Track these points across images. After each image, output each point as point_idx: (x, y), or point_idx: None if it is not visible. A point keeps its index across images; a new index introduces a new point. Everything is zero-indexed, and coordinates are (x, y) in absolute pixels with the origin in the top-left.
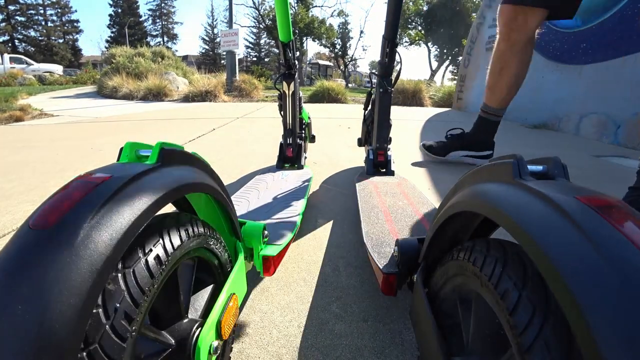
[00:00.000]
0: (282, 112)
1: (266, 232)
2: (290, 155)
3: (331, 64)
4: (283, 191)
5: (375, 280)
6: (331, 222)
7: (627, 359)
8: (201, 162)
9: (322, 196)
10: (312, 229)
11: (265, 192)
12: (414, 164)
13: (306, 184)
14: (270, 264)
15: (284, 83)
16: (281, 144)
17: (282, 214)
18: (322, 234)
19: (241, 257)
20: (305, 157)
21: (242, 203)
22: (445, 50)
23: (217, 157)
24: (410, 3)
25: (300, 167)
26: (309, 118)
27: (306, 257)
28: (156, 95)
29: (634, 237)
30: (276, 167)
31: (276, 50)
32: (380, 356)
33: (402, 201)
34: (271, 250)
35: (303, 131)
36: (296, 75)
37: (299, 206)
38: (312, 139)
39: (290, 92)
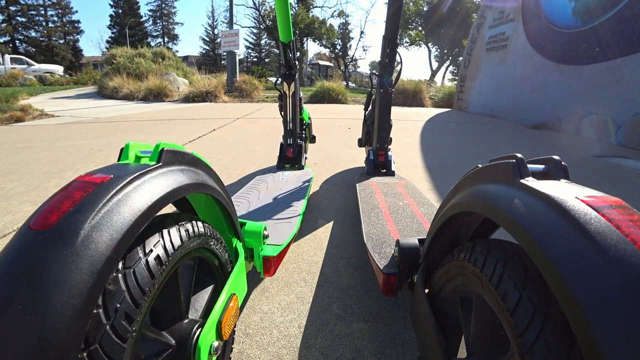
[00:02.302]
0: (282, 113)
1: (266, 232)
2: (290, 156)
3: (331, 64)
4: (283, 192)
5: (375, 280)
6: (332, 222)
7: (628, 359)
8: (201, 162)
9: (322, 196)
10: (313, 229)
11: (265, 193)
12: (415, 164)
13: (306, 184)
14: (271, 265)
15: (284, 83)
16: (281, 145)
17: (283, 214)
18: (322, 234)
19: (241, 257)
20: (306, 158)
21: (243, 203)
22: (445, 51)
23: (217, 158)
24: (411, 3)
25: (301, 167)
26: (309, 119)
27: (307, 258)
28: (157, 95)
29: (634, 237)
30: (277, 168)
31: (277, 51)
32: (380, 357)
33: (403, 201)
34: (271, 251)
35: (303, 132)
36: (297, 76)
37: (299, 207)
38: (313, 139)
39: (291, 93)
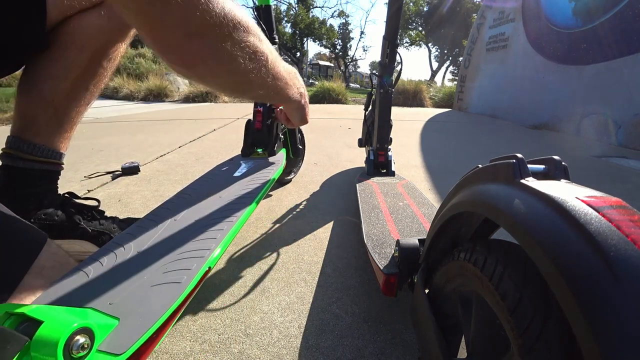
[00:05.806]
0: None
1: (82, 339)
2: (259, 127)
3: (332, 64)
4: (222, 203)
5: (375, 280)
6: (332, 222)
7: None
8: None
9: (322, 197)
10: (313, 229)
11: (190, 210)
12: (415, 165)
13: (260, 189)
14: None
15: None
16: (248, 122)
17: (175, 264)
18: (322, 235)
19: None
20: (282, 139)
21: (137, 239)
22: (445, 51)
23: (218, 157)
24: (411, 3)
25: (272, 153)
26: None
27: (307, 258)
28: (157, 96)
29: (635, 237)
30: (241, 156)
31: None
32: (380, 357)
33: (403, 202)
34: None
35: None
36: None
37: (217, 239)
38: (299, 151)
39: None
